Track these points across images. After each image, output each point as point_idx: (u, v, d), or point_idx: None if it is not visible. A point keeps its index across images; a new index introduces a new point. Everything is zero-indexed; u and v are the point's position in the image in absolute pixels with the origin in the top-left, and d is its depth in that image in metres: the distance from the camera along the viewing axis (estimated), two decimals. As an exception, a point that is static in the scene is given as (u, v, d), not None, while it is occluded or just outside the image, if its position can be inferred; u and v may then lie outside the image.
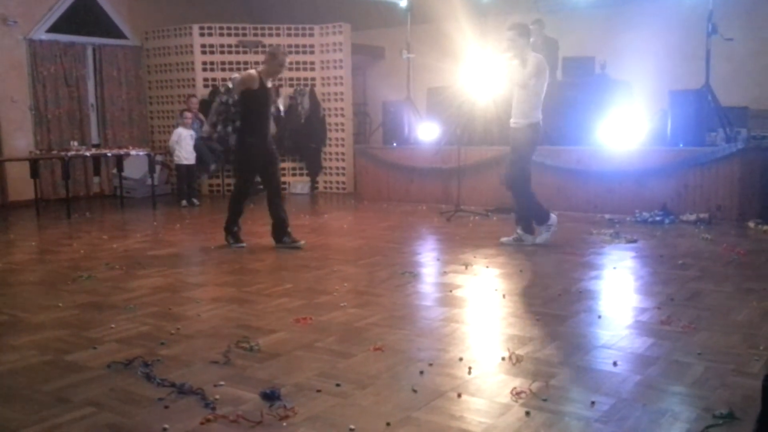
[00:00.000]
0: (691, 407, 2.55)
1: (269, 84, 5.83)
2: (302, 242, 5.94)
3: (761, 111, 8.26)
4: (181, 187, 9.34)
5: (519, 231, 5.88)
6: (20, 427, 2.47)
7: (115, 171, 10.01)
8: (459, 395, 2.68)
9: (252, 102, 5.69)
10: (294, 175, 11.01)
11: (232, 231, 6.01)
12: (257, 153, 5.80)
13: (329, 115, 10.80)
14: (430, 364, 3.01)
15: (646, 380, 2.82)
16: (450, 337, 3.43)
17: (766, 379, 1.90)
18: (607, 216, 7.46)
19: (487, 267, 5.09)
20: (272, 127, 6.20)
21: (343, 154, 10.80)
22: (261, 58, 10.38)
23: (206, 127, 5.81)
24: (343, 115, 10.76)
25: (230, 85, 5.92)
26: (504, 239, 5.96)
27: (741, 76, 8.50)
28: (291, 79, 10.57)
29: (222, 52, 10.54)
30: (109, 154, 9.26)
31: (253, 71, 5.81)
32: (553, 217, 5.89)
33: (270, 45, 6.12)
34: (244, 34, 10.59)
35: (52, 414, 2.57)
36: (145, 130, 11.17)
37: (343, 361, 3.09)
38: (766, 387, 1.89)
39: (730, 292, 4.25)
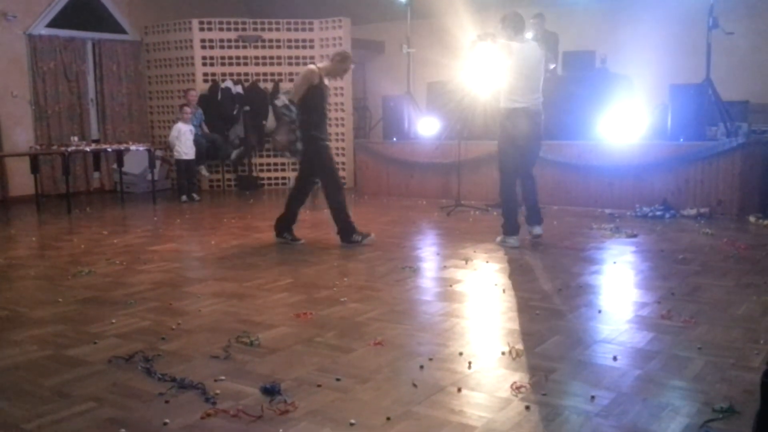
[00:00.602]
0: (692, 401, 2.55)
1: (326, 82, 5.75)
2: (302, 240, 5.94)
3: (762, 105, 8.25)
4: (181, 182, 9.34)
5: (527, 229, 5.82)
6: (21, 421, 2.47)
7: (115, 166, 10.00)
8: (459, 390, 2.68)
9: (313, 97, 5.60)
10: (294, 170, 10.95)
11: (349, 225, 5.76)
12: (324, 146, 5.71)
13: (329, 110, 10.75)
14: (430, 359, 3.02)
15: (646, 374, 2.82)
16: (450, 332, 3.43)
17: (766, 375, 1.90)
18: (607, 211, 7.46)
19: (487, 262, 5.09)
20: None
21: (343, 149, 10.78)
22: (261, 52, 10.54)
23: (281, 139, 5.70)
24: (343, 110, 10.74)
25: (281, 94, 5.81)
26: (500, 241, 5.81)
27: (742, 70, 8.49)
28: (290, 74, 10.53)
29: (222, 47, 10.51)
30: (109, 150, 9.24)
31: (313, 66, 5.70)
32: (516, 240, 5.61)
33: (345, 51, 6.05)
34: (244, 29, 10.56)
35: (53, 409, 2.57)
36: (145, 125, 11.15)
37: (343, 355, 3.09)
38: (765, 382, 1.89)
39: (730, 286, 4.25)
